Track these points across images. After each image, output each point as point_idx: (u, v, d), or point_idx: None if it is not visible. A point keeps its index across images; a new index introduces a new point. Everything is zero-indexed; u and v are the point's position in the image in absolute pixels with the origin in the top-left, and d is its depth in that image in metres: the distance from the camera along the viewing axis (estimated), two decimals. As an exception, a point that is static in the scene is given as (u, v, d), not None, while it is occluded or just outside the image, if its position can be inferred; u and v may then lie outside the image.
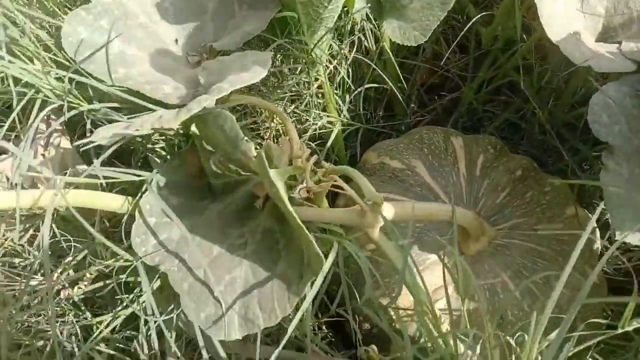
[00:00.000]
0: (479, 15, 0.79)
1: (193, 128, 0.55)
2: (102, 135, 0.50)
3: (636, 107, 0.68)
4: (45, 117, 0.57)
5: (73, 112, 0.52)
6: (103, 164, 0.63)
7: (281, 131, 0.82)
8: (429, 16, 0.81)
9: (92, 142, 0.52)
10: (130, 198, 0.54)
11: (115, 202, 0.52)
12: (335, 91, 0.85)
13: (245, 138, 0.48)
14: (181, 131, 0.58)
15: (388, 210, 0.57)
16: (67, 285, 0.62)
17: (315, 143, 0.86)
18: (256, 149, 0.61)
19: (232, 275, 0.51)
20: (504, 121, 0.97)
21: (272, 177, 0.45)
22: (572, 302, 0.69)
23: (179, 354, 0.63)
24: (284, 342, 0.44)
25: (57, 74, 0.54)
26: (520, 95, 0.96)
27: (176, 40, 0.65)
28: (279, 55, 0.81)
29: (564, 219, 0.76)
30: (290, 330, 0.44)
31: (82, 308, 0.64)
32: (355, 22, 0.83)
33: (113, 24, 0.58)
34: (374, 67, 0.84)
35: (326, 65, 0.79)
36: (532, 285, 0.69)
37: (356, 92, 0.87)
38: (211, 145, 0.54)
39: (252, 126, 0.82)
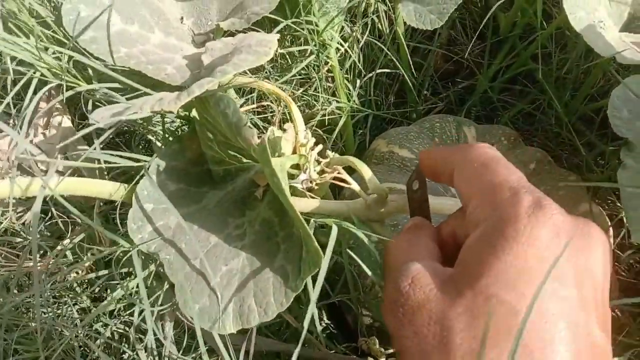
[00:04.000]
0: (500, 2, 0.76)
1: (194, 112, 0.53)
2: (100, 117, 0.49)
3: (660, 103, 0.65)
4: (46, 95, 0.55)
5: (70, 93, 0.50)
6: (105, 144, 0.61)
7: (288, 116, 0.80)
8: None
9: (91, 124, 0.50)
10: (125, 185, 0.52)
11: (110, 189, 0.50)
12: (346, 75, 0.83)
13: (248, 124, 0.46)
14: (183, 113, 0.56)
15: (392, 202, 0.55)
16: (65, 267, 0.61)
17: (324, 129, 0.84)
18: (262, 133, 0.59)
19: (229, 266, 0.50)
20: (519, 111, 0.95)
21: (274, 166, 0.43)
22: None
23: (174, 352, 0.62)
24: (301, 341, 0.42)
25: (54, 52, 0.52)
26: (536, 85, 0.93)
27: (182, 19, 0.63)
28: (288, 36, 0.78)
29: (577, 215, 0.73)
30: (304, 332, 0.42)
31: (79, 291, 0.63)
32: (370, 3, 0.80)
33: (114, 1, 0.55)
34: (387, 51, 0.82)
35: (337, 49, 0.76)
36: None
37: (367, 77, 0.84)
38: (211, 130, 0.52)
39: (259, 109, 0.80)
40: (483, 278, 0.33)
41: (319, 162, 0.58)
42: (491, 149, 0.42)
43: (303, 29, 0.71)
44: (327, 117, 0.81)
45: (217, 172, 0.55)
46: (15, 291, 0.64)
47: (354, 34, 0.79)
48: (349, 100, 0.82)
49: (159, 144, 0.58)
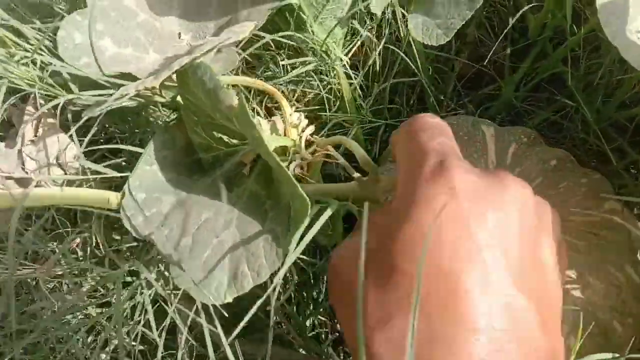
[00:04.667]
0: (529, 6, 0.74)
1: (178, 98, 0.55)
2: (91, 112, 0.51)
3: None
4: (33, 100, 0.58)
5: (54, 102, 0.53)
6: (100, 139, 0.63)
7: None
8: (455, 14, 0.75)
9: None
10: (113, 194, 0.53)
11: (100, 196, 0.52)
12: (362, 81, 0.82)
13: (225, 88, 0.47)
14: (169, 101, 0.58)
15: (384, 179, 0.54)
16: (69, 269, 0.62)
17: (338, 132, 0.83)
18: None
19: (220, 238, 0.50)
20: (545, 119, 0.91)
21: (255, 121, 0.43)
22: (608, 298, 0.62)
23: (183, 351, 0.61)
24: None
25: (21, 58, 0.54)
26: (564, 91, 0.88)
27: (179, 34, 0.66)
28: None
29: (601, 212, 0.68)
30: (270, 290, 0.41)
31: (82, 291, 0.63)
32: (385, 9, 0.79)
33: (109, 26, 0.59)
34: (403, 57, 0.80)
35: (340, 59, 0.76)
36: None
37: (382, 86, 0.83)
38: (195, 111, 0.53)
39: (268, 106, 0.81)
40: (389, 248, 0.33)
41: (309, 144, 0.58)
42: (432, 117, 0.40)
43: (306, 40, 0.72)
44: (332, 132, 0.81)
45: (206, 160, 0.56)
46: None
47: (365, 32, 0.77)
48: (359, 112, 0.81)
49: (160, 125, 0.59)
